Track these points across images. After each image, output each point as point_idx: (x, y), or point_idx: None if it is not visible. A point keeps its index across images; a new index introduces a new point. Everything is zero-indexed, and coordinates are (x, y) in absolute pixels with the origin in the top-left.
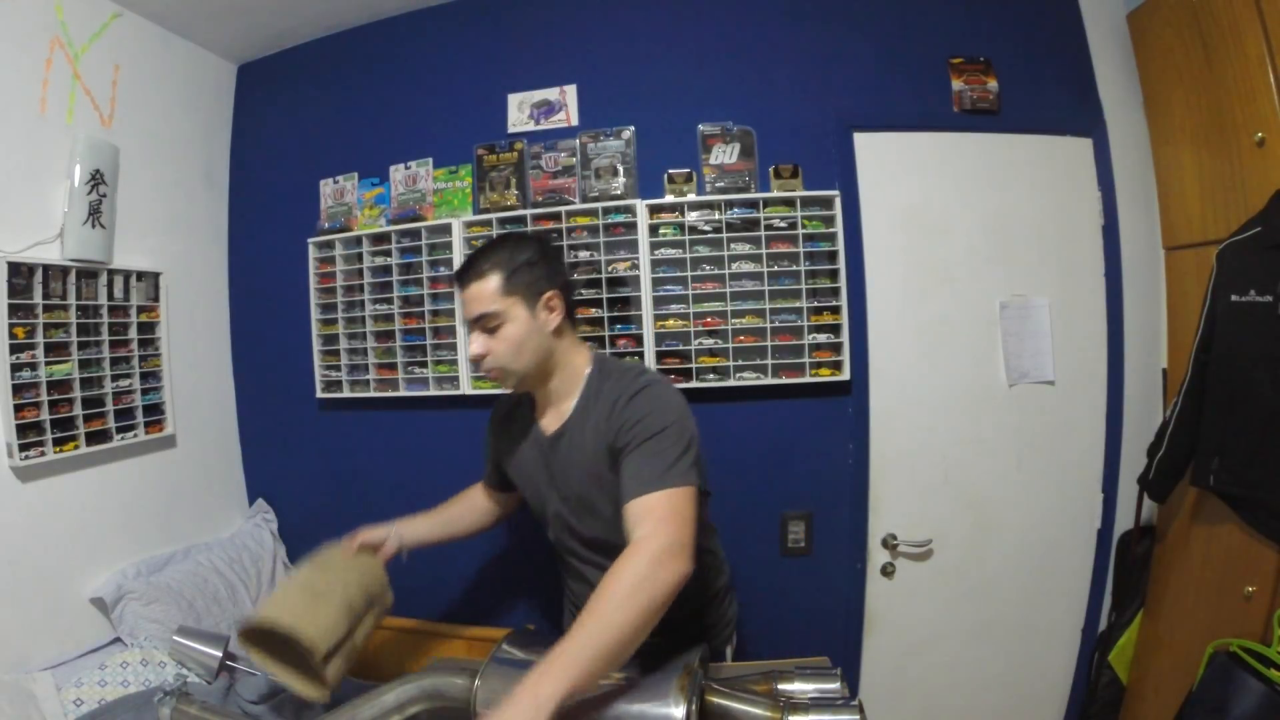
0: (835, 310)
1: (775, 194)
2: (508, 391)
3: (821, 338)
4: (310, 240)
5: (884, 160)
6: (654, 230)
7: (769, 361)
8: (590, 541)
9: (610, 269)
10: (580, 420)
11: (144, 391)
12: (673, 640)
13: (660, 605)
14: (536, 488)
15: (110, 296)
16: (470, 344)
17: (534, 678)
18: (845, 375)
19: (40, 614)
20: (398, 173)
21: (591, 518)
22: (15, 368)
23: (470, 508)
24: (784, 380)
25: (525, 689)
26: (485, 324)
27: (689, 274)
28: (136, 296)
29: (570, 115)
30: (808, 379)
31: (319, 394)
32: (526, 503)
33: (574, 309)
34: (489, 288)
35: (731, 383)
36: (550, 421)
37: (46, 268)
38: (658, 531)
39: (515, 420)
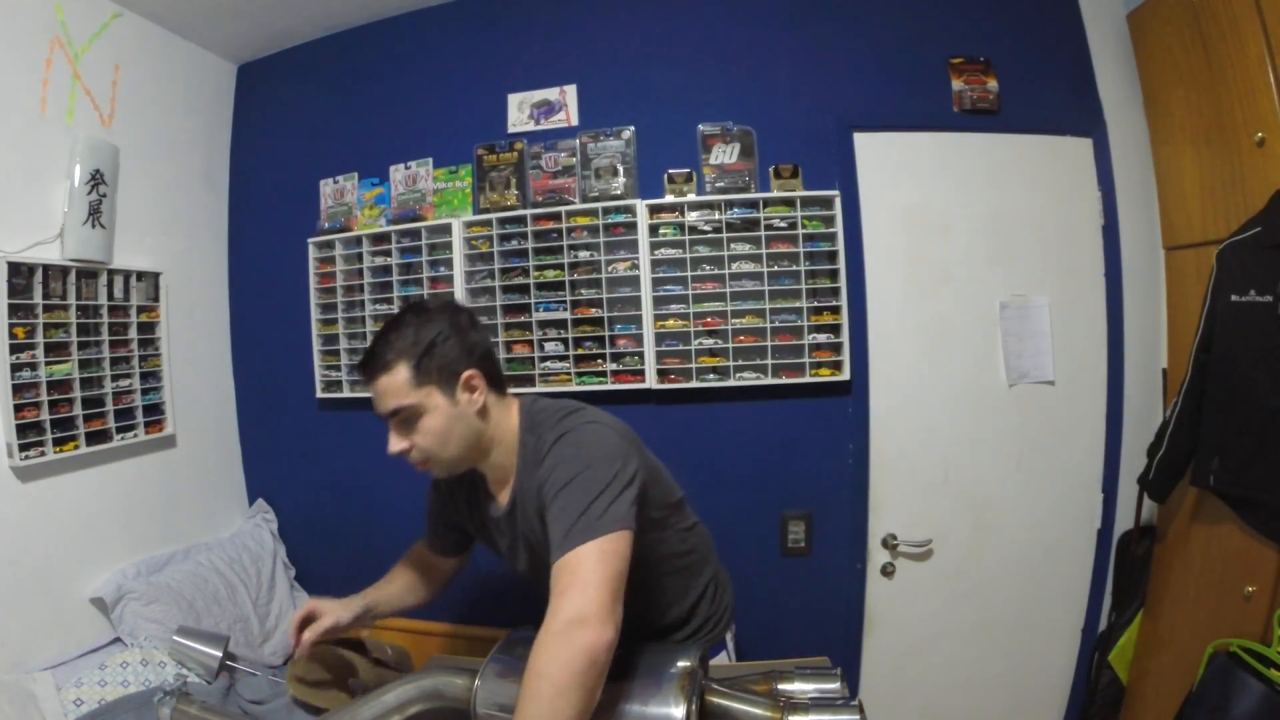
0: (835, 310)
1: (775, 194)
2: None
3: (821, 338)
4: (310, 240)
5: (884, 160)
6: (654, 230)
7: (769, 361)
8: None
9: (610, 269)
10: (524, 488)
11: (144, 391)
12: (673, 639)
13: (581, 679)
14: (514, 565)
15: (110, 296)
16: (389, 440)
17: None
18: (845, 375)
19: (40, 614)
20: (398, 173)
21: None
22: (15, 368)
23: (426, 571)
24: (784, 380)
25: None
26: (401, 418)
27: (689, 274)
28: (136, 296)
29: (570, 115)
30: (808, 379)
31: (319, 394)
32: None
33: (499, 376)
34: (398, 380)
35: (731, 383)
36: (503, 494)
37: (46, 268)
38: (557, 606)
39: (464, 492)
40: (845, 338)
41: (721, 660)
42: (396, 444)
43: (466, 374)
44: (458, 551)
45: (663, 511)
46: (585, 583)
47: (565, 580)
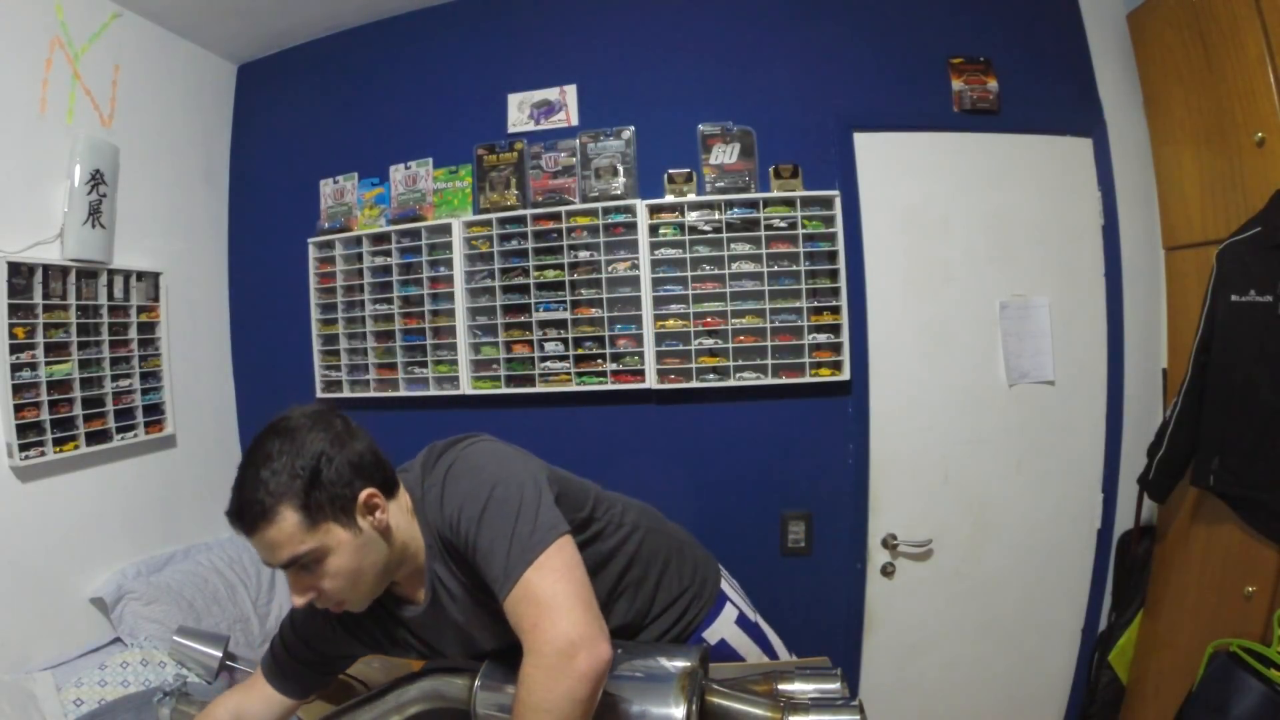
0: (835, 310)
1: (775, 194)
2: None
3: (821, 338)
4: (310, 240)
5: (884, 160)
6: (654, 230)
7: (769, 361)
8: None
9: (610, 269)
10: (436, 563)
11: (144, 391)
12: (668, 617)
13: (585, 705)
14: (441, 654)
15: (110, 296)
16: (290, 593)
17: None
18: (845, 375)
19: (40, 614)
20: (398, 173)
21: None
22: (15, 368)
23: None
24: (784, 380)
25: None
26: (299, 565)
27: (689, 274)
28: (136, 296)
29: (570, 115)
30: (808, 379)
31: (319, 394)
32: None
33: (390, 478)
34: (286, 529)
35: (731, 383)
36: (419, 591)
37: (46, 268)
38: (537, 641)
39: (368, 610)
40: (845, 338)
41: (731, 613)
42: (300, 596)
43: (364, 495)
44: (319, 688)
45: (584, 513)
46: (555, 607)
47: (532, 613)
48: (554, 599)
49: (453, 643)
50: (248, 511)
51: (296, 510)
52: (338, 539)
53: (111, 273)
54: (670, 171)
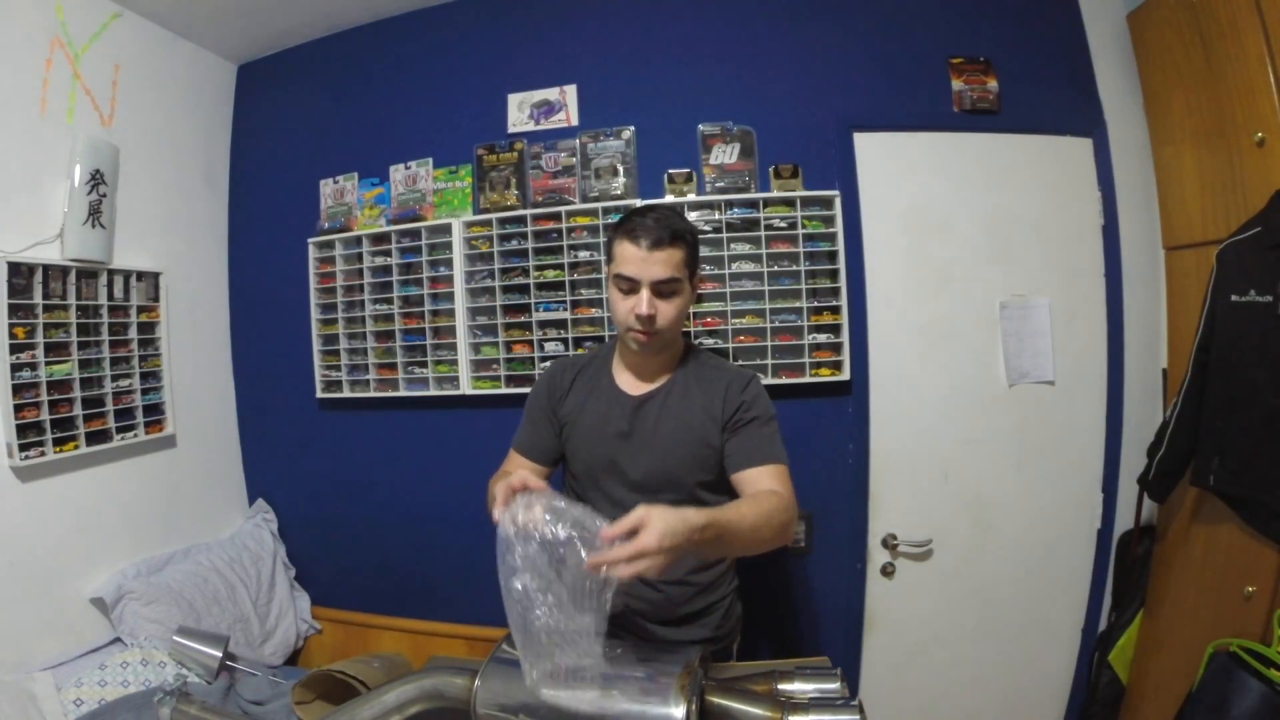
0: (835, 310)
1: (775, 194)
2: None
3: (821, 338)
4: (310, 240)
5: (884, 160)
6: None
7: (769, 361)
8: (643, 490)
9: None
10: (676, 391)
11: (144, 391)
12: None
13: (770, 542)
14: (605, 440)
15: (110, 296)
16: (640, 304)
17: (685, 509)
18: (845, 375)
19: (40, 614)
20: (398, 173)
21: (669, 485)
22: (15, 368)
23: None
24: (784, 380)
25: (675, 510)
26: (662, 289)
27: None
28: (136, 296)
29: (570, 115)
30: (808, 379)
31: (319, 394)
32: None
33: None
34: (676, 258)
35: None
36: (634, 385)
37: (46, 268)
38: (783, 490)
39: (584, 377)
40: (845, 338)
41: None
42: (649, 308)
43: (697, 277)
44: (556, 460)
45: None
46: (789, 487)
47: (780, 478)
48: (788, 483)
49: (631, 443)
50: (663, 231)
51: (685, 250)
52: (685, 287)
53: (111, 273)
54: (670, 171)
